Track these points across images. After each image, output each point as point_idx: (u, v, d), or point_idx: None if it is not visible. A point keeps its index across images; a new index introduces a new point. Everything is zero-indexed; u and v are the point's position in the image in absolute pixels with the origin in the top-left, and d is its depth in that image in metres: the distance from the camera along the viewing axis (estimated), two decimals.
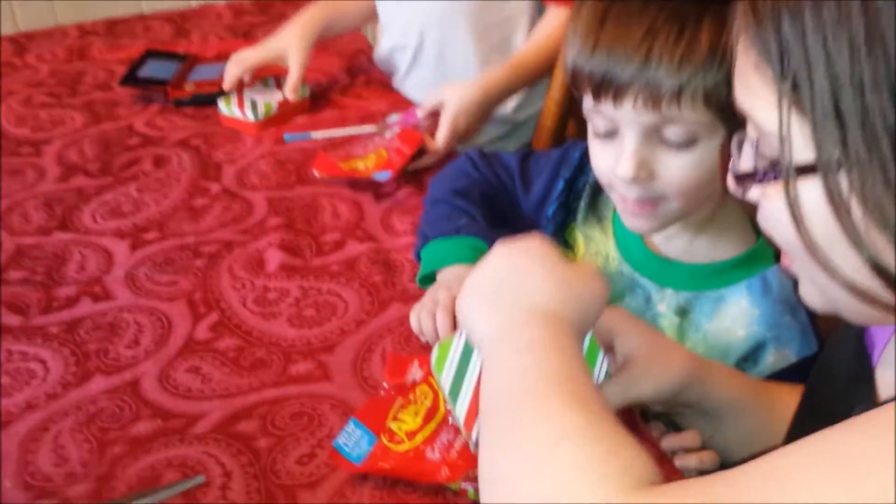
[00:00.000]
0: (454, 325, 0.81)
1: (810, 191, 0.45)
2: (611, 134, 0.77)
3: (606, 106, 0.75)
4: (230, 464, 0.72)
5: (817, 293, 0.52)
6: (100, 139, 1.24)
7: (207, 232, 1.02)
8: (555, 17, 1.27)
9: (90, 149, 1.22)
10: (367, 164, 1.09)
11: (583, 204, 0.90)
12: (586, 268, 0.63)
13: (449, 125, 1.14)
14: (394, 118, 1.20)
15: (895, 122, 0.41)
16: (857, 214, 0.44)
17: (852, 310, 0.50)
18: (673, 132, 0.74)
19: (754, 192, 0.51)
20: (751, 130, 0.50)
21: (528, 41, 1.30)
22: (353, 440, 0.71)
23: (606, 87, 0.74)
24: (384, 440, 0.70)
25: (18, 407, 0.79)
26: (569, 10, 1.00)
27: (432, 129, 1.15)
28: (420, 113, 1.17)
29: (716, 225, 0.84)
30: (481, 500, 0.49)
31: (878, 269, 0.44)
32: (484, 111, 1.21)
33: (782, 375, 0.79)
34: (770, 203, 0.49)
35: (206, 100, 1.29)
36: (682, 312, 0.85)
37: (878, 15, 0.40)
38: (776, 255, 0.78)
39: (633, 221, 0.81)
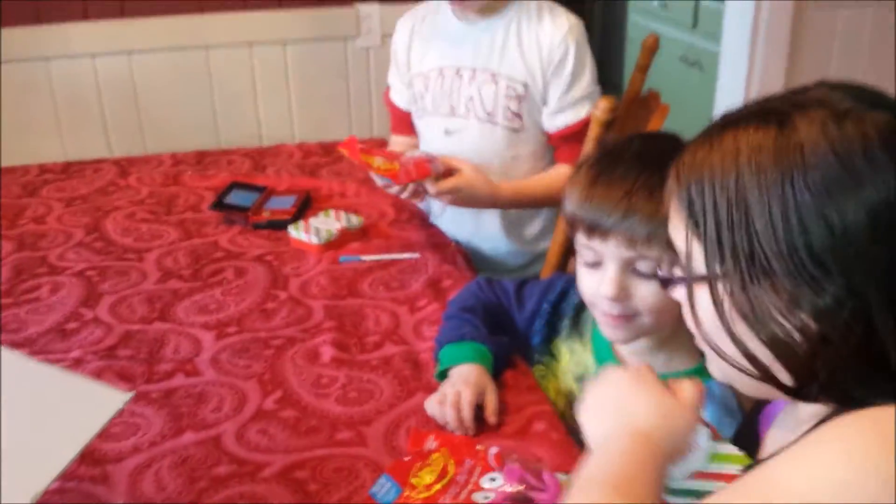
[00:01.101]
0: (458, 417, 1.02)
1: (703, 295, 0.69)
2: (596, 264, 1.02)
3: (595, 242, 1.00)
4: (288, 499, 0.95)
5: (717, 370, 0.74)
6: (191, 251, 1.52)
7: (276, 329, 1.28)
8: (558, 170, 1.54)
9: (183, 259, 1.50)
10: (380, 165, 1.35)
11: (567, 323, 1.15)
12: (682, 401, 0.76)
13: (452, 185, 1.39)
14: (418, 154, 1.45)
15: (748, 249, 0.64)
16: (729, 312, 0.67)
17: (741, 383, 0.72)
18: (644, 265, 0.98)
19: (678, 295, 0.74)
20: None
21: (535, 178, 1.55)
22: (383, 490, 0.94)
23: (596, 230, 0.99)
24: (407, 491, 0.93)
25: (128, 449, 1.03)
26: (571, 168, 1.27)
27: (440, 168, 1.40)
28: (440, 166, 1.41)
29: (672, 343, 1.06)
30: None
31: (745, 352, 0.67)
32: (475, 199, 1.44)
33: None
34: (684, 302, 0.72)
35: (279, 224, 1.58)
36: None
37: (745, 188, 0.65)
38: None
39: (611, 332, 1.05)
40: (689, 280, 0.70)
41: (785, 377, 0.66)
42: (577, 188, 1.03)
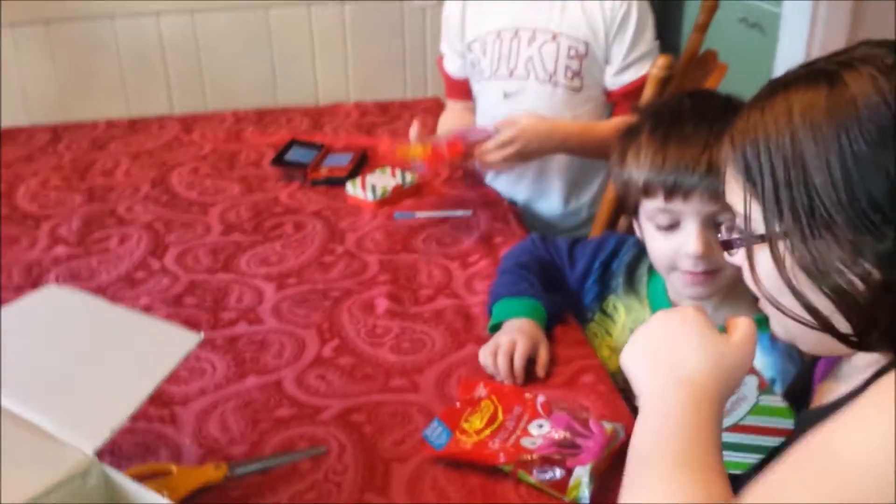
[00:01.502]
0: (509, 365, 1.07)
1: (763, 255, 0.71)
2: (672, 226, 1.04)
3: (675, 203, 1.01)
4: (344, 440, 1.00)
5: (779, 327, 0.77)
6: (252, 206, 1.58)
7: (333, 281, 1.33)
8: (625, 120, 1.55)
9: (245, 213, 1.56)
10: (416, 152, 1.38)
11: (620, 281, 1.17)
12: (735, 338, 0.73)
13: (509, 134, 1.39)
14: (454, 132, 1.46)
15: (808, 204, 0.66)
16: (791, 268, 0.69)
17: (804, 339, 0.75)
18: (724, 218, 1.00)
19: (738, 258, 0.77)
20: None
21: (599, 122, 1.55)
22: (436, 433, 0.98)
23: (678, 190, 1.00)
24: (458, 435, 0.98)
25: (194, 392, 1.09)
26: None
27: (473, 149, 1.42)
28: (490, 129, 1.42)
29: (734, 296, 1.08)
30: None
31: (808, 307, 0.70)
32: (542, 145, 1.43)
33: None
34: (744, 264, 0.75)
35: (336, 181, 1.62)
36: None
37: (801, 146, 0.67)
38: None
39: (695, 290, 1.05)
40: (749, 241, 0.72)
41: (845, 327, 0.69)
42: (646, 153, 1.03)
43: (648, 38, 1.53)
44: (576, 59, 1.52)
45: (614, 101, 1.58)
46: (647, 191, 1.04)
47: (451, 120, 1.70)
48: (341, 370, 1.12)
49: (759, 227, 0.71)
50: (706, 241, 1.01)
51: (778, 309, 0.73)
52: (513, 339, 1.08)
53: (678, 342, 0.73)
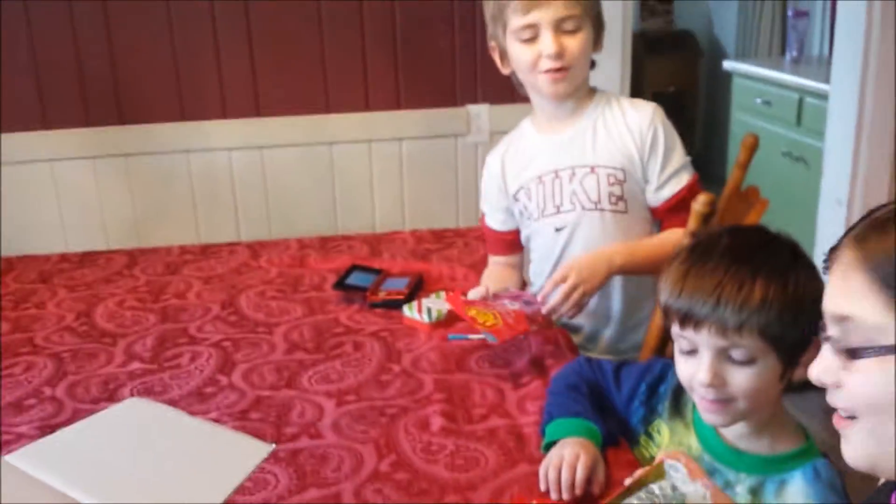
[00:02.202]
0: (573, 476, 1.10)
1: (886, 368, 0.73)
2: (692, 352, 1.09)
3: (688, 332, 1.08)
4: None
5: (861, 450, 0.78)
6: (314, 326, 1.67)
7: (390, 399, 1.39)
8: (672, 232, 1.61)
9: (307, 333, 1.64)
10: (486, 320, 1.44)
11: (667, 405, 1.21)
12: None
13: (569, 283, 1.46)
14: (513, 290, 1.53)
15: None
16: None
17: (887, 466, 0.76)
18: (737, 353, 1.05)
19: (831, 377, 0.78)
20: (835, 332, 0.78)
21: (647, 239, 1.63)
22: None
23: (689, 320, 1.07)
24: None
25: (258, 502, 1.15)
26: (681, 231, 1.31)
27: (537, 317, 1.49)
28: (547, 289, 1.50)
29: (773, 426, 1.11)
30: None
31: None
32: (596, 270, 1.50)
33: None
34: (860, 376, 0.76)
35: (394, 304, 1.71)
36: (754, 492, 1.10)
37: None
38: (821, 451, 1.07)
39: (709, 417, 1.10)
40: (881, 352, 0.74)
41: None
42: (670, 280, 1.10)
43: (679, 154, 1.63)
44: (616, 185, 1.61)
45: (660, 218, 1.66)
46: (666, 314, 1.10)
47: (495, 276, 1.76)
48: (397, 484, 1.17)
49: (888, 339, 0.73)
50: (716, 371, 1.05)
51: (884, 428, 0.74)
52: (577, 452, 1.12)
53: None
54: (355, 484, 1.17)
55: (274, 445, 1.25)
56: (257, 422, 1.34)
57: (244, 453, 0.96)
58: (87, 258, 2.13)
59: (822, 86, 3.10)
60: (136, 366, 1.54)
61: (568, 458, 1.12)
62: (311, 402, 1.39)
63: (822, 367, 0.79)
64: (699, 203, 1.58)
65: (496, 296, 1.55)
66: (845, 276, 0.77)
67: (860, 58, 2.60)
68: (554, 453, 1.15)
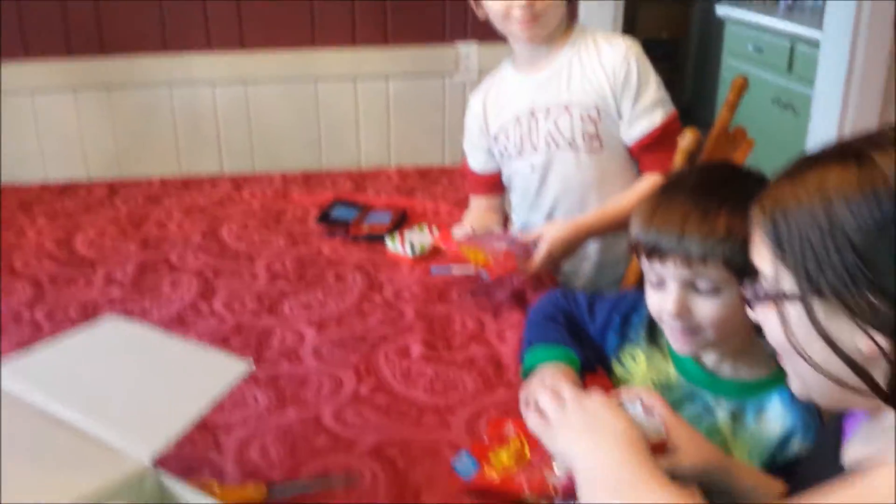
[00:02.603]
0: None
1: (792, 309, 0.77)
2: (660, 283, 1.10)
3: (656, 264, 1.08)
4: (377, 471, 1.05)
5: (798, 383, 0.82)
6: (297, 258, 1.66)
7: (371, 328, 1.40)
8: (642, 183, 1.61)
9: (289, 264, 1.64)
10: (477, 259, 1.46)
11: (643, 333, 1.22)
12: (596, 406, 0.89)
13: (544, 254, 1.49)
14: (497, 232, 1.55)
15: (843, 267, 0.71)
16: (825, 324, 0.74)
17: (822, 394, 0.79)
18: (702, 283, 1.06)
19: (757, 315, 0.82)
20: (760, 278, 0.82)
21: (621, 196, 1.61)
22: (464, 464, 1.03)
23: (656, 252, 1.07)
24: (486, 468, 1.02)
25: (237, 420, 1.15)
26: (658, 176, 1.30)
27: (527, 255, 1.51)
28: (521, 239, 1.51)
29: (747, 354, 1.13)
30: None
31: (846, 359, 0.74)
32: (572, 247, 1.54)
33: (801, 459, 1.06)
34: (768, 320, 0.80)
35: (377, 238, 1.71)
36: (734, 417, 1.13)
37: (836, 217, 0.72)
38: None
39: (678, 346, 1.12)
40: (780, 298, 0.78)
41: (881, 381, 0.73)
42: (639, 216, 1.11)
43: (652, 90, 1.60)
44: (591, 123, 1.60)
45: (637, 157, 1.65)
46: (635, 249, 1.11)
47: (477, 217, 1.76)
48: (376, 407, 1.18)
49: (789, 286, 0.76)
50: (682, 302, 1.06)
51: (809, 364, 0.77)
52: (557, 378, 1.13)
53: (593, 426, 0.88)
54: (335, 405, 1.18)
55: (252, 360, 1.26)
56: (237, 348, 1.34)
57: (223, 370, 0.96)
58: (68, 189, 2.11)
59: (814, 33, 3.08)
60: (115, 292, 1.53)
61: (549, 383, 1.12)
62: (291, 330, 1.39)
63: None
64: (685, 140, 1.57)
65: (483, 236, 1.55)
66: (754, 228, 0.81)
67: (853, 5, 2.57)
68: (535, 379, 1.16)
